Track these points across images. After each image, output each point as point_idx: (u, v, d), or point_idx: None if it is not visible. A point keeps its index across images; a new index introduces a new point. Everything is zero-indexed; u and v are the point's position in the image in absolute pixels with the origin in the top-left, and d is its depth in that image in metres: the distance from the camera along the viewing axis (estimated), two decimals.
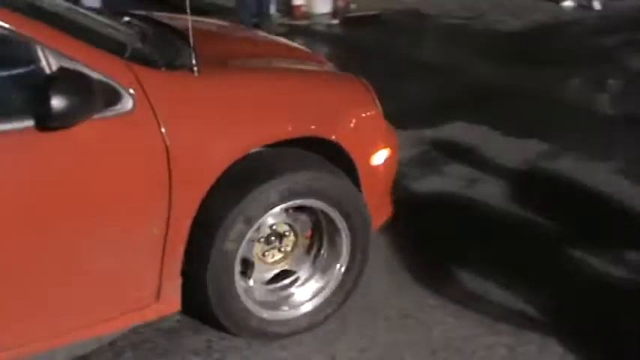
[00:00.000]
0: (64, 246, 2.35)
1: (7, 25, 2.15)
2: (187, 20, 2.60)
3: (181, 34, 2.86)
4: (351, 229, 2.88)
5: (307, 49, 3.62)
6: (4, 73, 2.28)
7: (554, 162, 4.64)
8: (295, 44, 3.73)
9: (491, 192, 4.14)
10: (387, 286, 3.22)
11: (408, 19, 8.95)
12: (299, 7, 8.85)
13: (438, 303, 3.12)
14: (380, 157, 3.06)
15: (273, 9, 8.39)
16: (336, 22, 8.78)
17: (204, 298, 2.68)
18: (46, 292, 2.38)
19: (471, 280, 3.28)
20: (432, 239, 3.61)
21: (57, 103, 2.07)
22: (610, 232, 3.78)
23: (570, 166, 4.58)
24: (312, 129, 2.82)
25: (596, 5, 10.15)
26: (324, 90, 3.07)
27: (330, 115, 2.91)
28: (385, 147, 3.08)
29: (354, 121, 2.97)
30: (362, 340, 2.91)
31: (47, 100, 2.06)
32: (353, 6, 9.07)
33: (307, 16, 8.83)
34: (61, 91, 2.08)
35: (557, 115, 5.53)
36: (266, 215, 2.68)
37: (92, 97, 2.19)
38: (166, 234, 2.52)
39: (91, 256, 2.42)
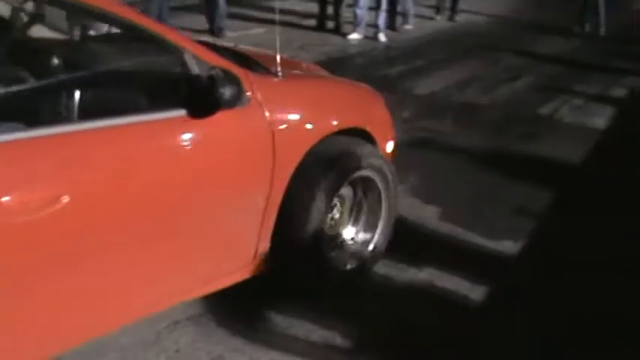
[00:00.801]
0: (203, 213, 2.81)
1: (170, 40, 2.67)
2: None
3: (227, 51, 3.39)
4: (386, 189, 3.62)
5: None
6: (166, 76, 2.85)
7: None
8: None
9: None
10: (194, 330, 3.13)
11: None
12: None
13: (246, 341, 3.07)
14: (390, 146, 3.85)
15: None
16: None
17: (298, 260, 3.22)
18: (190, 252, 2.84)
19: (274, 316, 3.26)
20: None
21: (227, 92, 2.64)
22: (401, 253, 3.88)
23: None
24: (357, 121, 3.54)
25: (382, 37, 10.65)
26: (358, 93, 3.88)
27: (365, 111, 3.74)
28: (392, 139, 3.86)
29: (376, 117, 3.80)
30: None
31: (219, 89, 2.61)
32: None
33: None
34: (228, 84, 2.65)
35: None
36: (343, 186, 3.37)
37: (239, 91, 2.75)
38: (267, 204, 3.04)
39: (219, 223, 2.91)
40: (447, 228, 4.25)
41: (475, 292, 3.56)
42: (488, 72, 9.17)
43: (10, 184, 2.14)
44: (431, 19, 13.32)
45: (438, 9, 13.80)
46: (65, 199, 2.24)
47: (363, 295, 3.51)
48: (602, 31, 13.73)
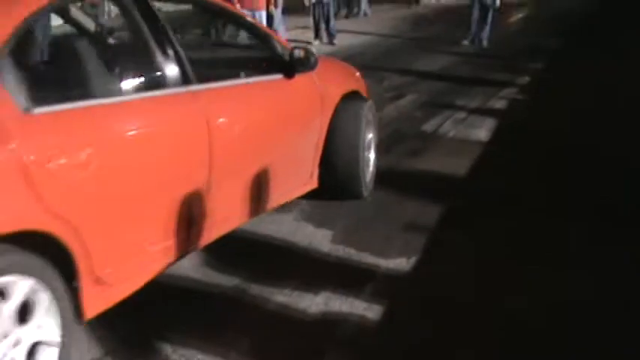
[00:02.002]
0: (290, 140, 4.46)
1: (263, 31, 4.57)
2: None
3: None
4: (376, 129, 5.40)
5: None
6: (265, 55, 4.41)
7: None
8: None
9: None
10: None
11: None
12: None
13: None
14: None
15: None
16: None
17: (351, 175, 4.93)
18: (285, 170, 4.39)
19: (172, 353, 3.21)
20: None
21: (313, 61, 4.31)
22: (296, 280, 3.91)
23: None
24: (356, 86, 5.23)
25: None
26: (351, 69, 5.55)
27: (357, 80, 5.38)
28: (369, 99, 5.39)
29: (362, 84, 5.40)
30: None
31: (309, 59, 4.29)
32: None
33: None
34: (304, 58, 4.28)
35: None
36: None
37: (314, 61, 4.35)
38: (318, 138, 4.70)
39: (297, 149, 4.55)
40: (341, 250, 4.28)
41: (371, 311, 3.58)
42: (373, 92, 9.27)
43: (225, 112, 3.71)
44: (309, 43, 13.47)
45: (316, 33, 13.97)
46: (213, 124, 3.57)
47: (260, 323, 3.50)
48: (485, 44, 14.29)
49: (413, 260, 4.16)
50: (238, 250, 4.04)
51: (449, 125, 7.62)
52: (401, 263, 4.13)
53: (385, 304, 3.64)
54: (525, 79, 10.77)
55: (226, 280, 3.86)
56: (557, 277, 3.98)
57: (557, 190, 5.46)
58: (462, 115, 8.15)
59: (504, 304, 3.68)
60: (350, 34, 14.61)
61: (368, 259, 4.18)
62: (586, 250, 4.33)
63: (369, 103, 5.18)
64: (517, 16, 22.21)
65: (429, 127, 7.51)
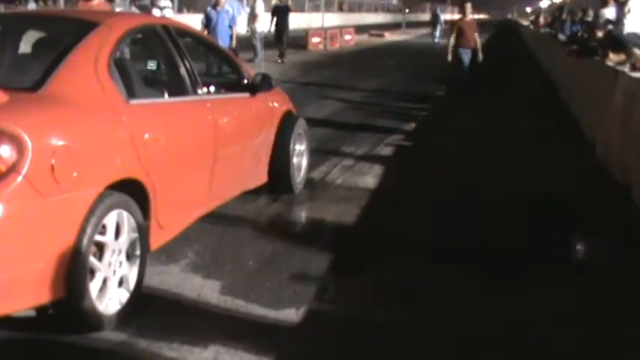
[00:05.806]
0: (252, 144, 5.96)
1: (232, 60, 6.34)
2: None
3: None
4: (307, 141, 6.98)
5: None
6: (235, 79, 6.08)
7: None
8: None
9: None
10: None
11: None
12: None
13: None
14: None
15: None
16: None
17: (285, 175, 6.40)
18: (240, 169, 5.73)
19: None
20: None
21: (269, 84, 6.04)
22: (184, 333, 3.86)
23: None
24: (291, 107, 6.73)
25: None
26: (285, 94, 6.92)
27: (289, 103, 6.77)
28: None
29: (291, 105, 6.77)
30: None
31: (266, 83, 5.94)
32: None
33: None
34: (264, 80, 5.97)
35: None
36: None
37: (270, 84, 6.08)
38: (270, 142, 6.23)
39: (256, 151, 6.01)
40: (229, 302, 4.24)
41: None
42: None
43: (222, 114, 5.33)
44: None
45: None
46: (216, 123, 5.18)
47: None
48: None
49: (302, 311, 4.18)
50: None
51: (337, 172, 7.72)
52: (290, 314, 4.14)
53: (275, 357, 3.64)
54: (411, 126, 11.07)
55: (113, 335, 3.77)
56: (444, 323, 4.08)
57: (444, 235, 5.62)
58: (349, 162, 8.28)
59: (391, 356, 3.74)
60: None
61: (257, 310, 4.17)
62: (474, 297, 4.46)
63: (301, 120, 6.74)
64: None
65: (317, 174, 7.54)
